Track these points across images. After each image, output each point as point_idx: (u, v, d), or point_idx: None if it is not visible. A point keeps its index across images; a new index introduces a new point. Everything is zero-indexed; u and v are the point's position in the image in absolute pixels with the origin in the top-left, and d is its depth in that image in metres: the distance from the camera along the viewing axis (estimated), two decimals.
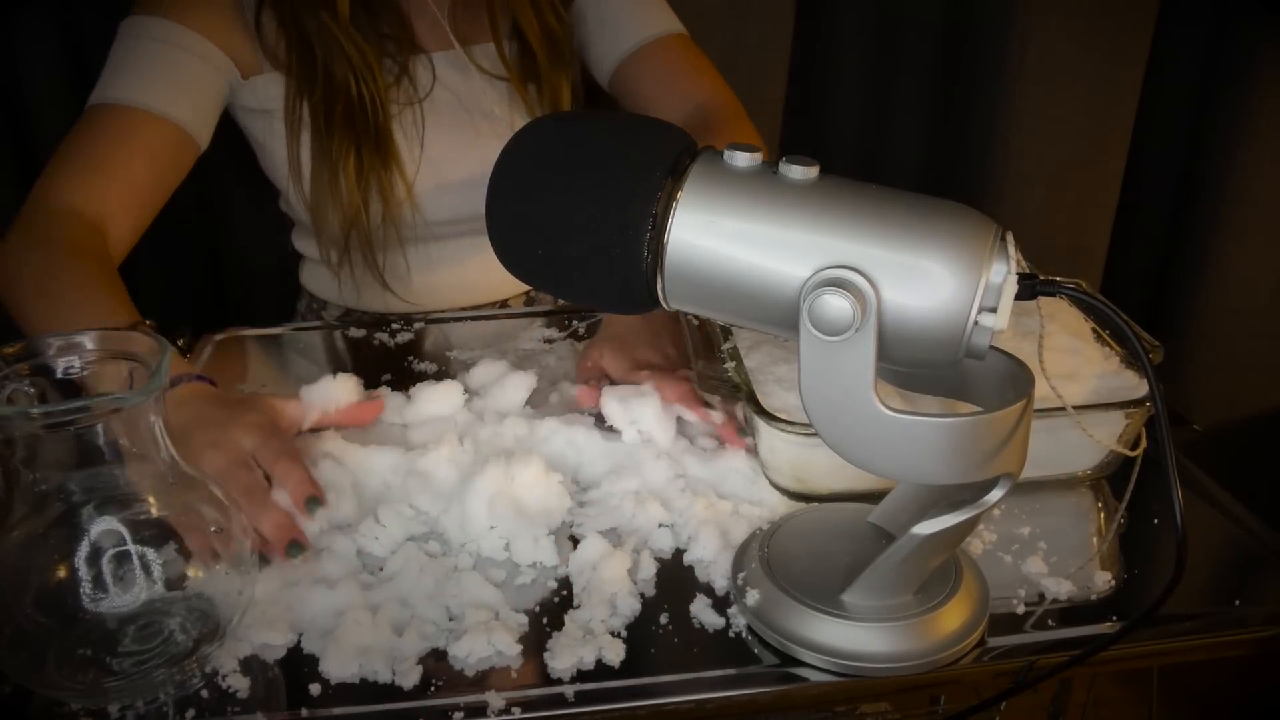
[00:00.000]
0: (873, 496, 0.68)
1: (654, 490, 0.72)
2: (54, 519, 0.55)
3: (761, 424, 0.68)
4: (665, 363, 0.83)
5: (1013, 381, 0.56)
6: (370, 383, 0.83)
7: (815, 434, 0.55)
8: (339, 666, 0.58)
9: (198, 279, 1.35)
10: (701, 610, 0.63)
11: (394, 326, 0.98)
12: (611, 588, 0.63)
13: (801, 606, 0.59)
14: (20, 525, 0.54)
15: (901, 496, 0.65)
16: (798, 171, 0.53)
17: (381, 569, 0.66)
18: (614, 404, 0.77)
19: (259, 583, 0.62)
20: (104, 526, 0.54)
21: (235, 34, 0.95)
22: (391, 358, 0.92)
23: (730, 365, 0.74)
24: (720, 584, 0.65)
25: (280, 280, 1.21)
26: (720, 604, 0.63)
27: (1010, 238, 0.52)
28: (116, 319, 0.75)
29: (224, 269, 1.36)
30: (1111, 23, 1.32)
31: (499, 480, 0.68)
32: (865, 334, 0.51)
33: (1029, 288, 0.53)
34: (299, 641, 0.60)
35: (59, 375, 0.56)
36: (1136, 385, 0.72)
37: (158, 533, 0.56)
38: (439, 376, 0.85)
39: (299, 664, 0.59)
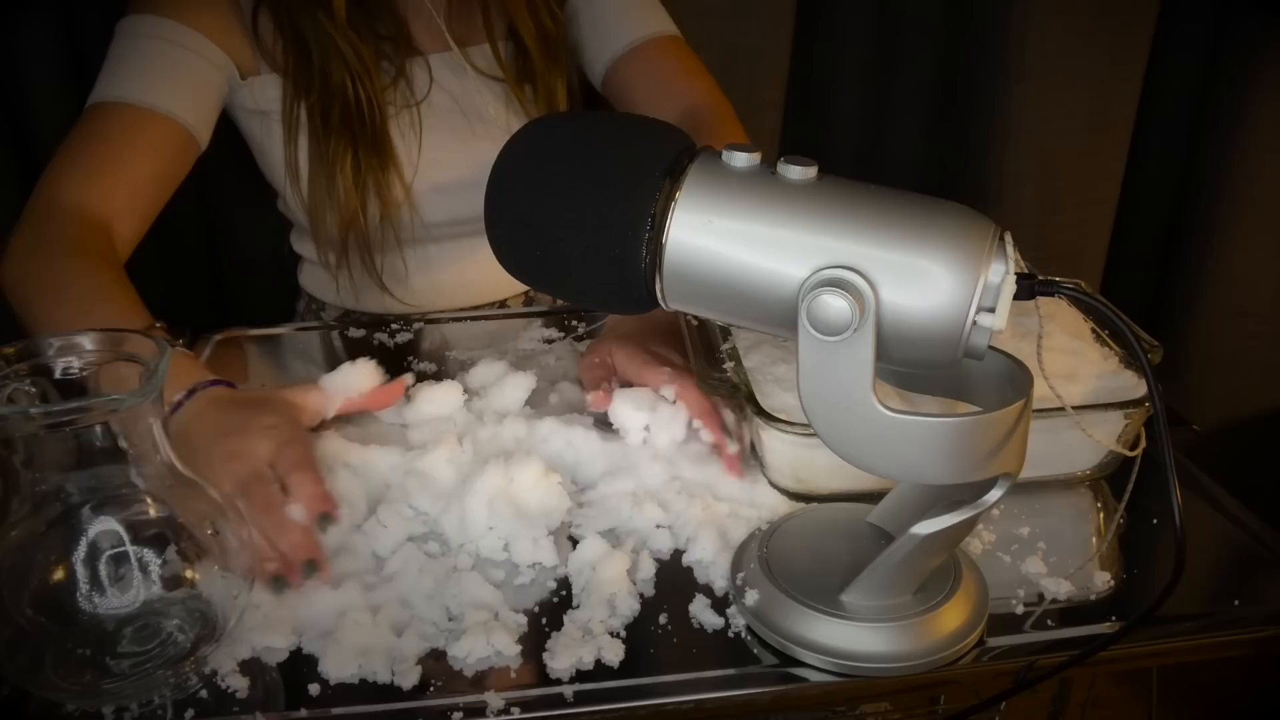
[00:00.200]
0: (872, 496, 0.68)
1: (651, 491, 0.72)
2: (53, 519, 0.55)
3: (761, 424, 0.68)
4: (680, 361, 0.82)
5: (1011, 381, 0.56)
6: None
7: (815, 434, 0.55)
8: (338, 667, 0.58)
9: (197, 279, 1.35)
10: (701, 610, 0.63)
11: (393, 327, 0.98)
12: (611, 588, 0.63)
13: (801, 606, 0.59)
14: (19, 526, 0.54)
15: (901, 496, 0.65)
16: (796, 172, 0.53)
17: (381, 569, 0.66)
18: (626, 408, 0.76)
19: (259, 587, 0.62)
20: (102, 527, 0.54)
21: (234, 34, 0.95)
22: (391, 358, 0.92)
23: (730, 365, 0.74)
24: (719, 584, 0.65)
25: (279, 281, 1.21)
26: (719, 604, 0.63)
27: (1009, 237, 0.52)
28: (130, 324, 0.74)
29: (224, 269, 1.36)
30: (1112, 22, 1.32)
31: (498, 481, 0.68)
32: (864, 334, 0.51)
33: (1027, 287, 0.53)
34: (299, 642, 0.60)
35: (59, 375, 0.56)
36: (1136, 385, 0.72)
37: (156, 534, 0.56)
38: (438, 377, 0.85)
39: (298, 664, 0.59)
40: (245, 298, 1.37)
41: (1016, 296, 0.52)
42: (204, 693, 0.57)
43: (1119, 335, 0.73)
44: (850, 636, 0.58)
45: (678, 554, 0.67)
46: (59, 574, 0.54)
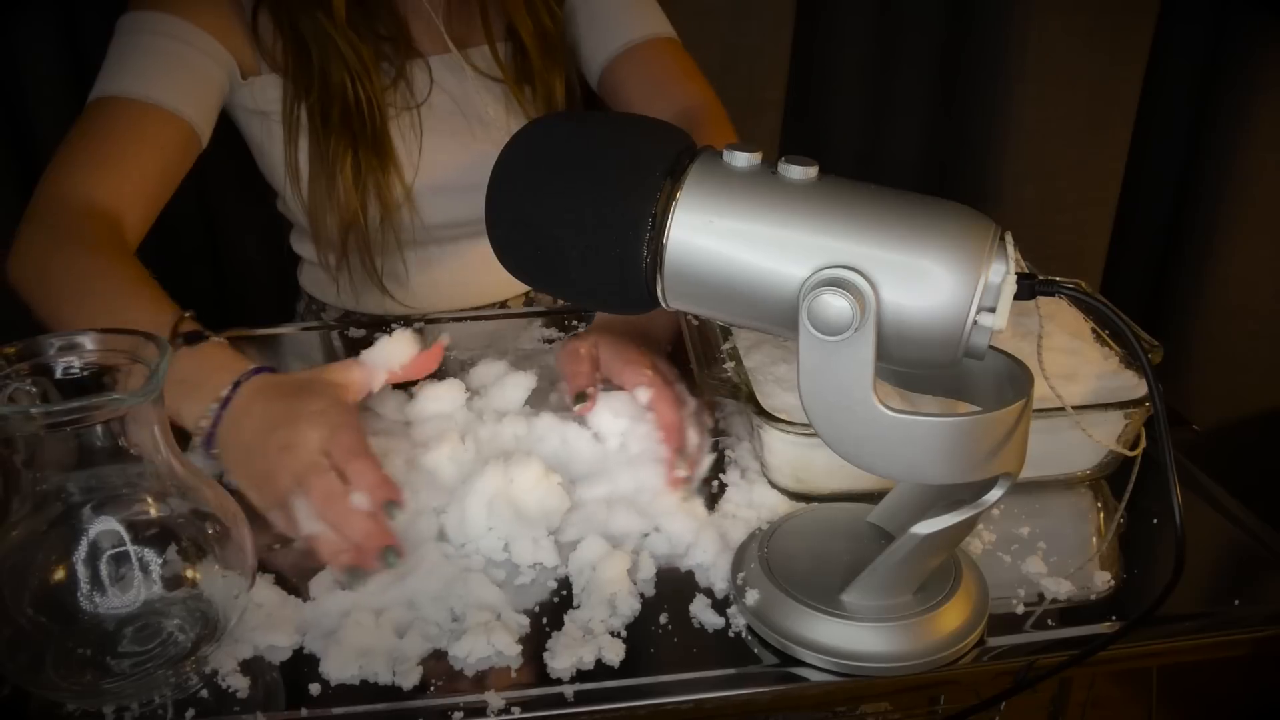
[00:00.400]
0: (873, 496, 0.68)
1: (651, 491, 0.72)
2: (53, 519, 0.55)
3: (762, 424, 0.68)
4: (661, 358, 0.81)
5: (1012, 381, 0.56)
6: None
7: (815, 434, 0.55)
8: (339, 667, 0.58)
9: (197, 279, 1.35)
10: (701, 610, 0.63)
11: (393, 327, 0.98)
12: (611, 588, 0.63)
13: (801, 606, 0.59)
14: (19, 525, 0.54)
15: (901, 496, 0.65)
16: (797, 171, 0.53)
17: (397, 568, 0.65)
18: (605, 414, 0.76)
19: (262, 587, 0.63)
20: (103, 527, 0.54)
21: (235, 33, 0.95)
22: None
23: (730, 365, 0.74)
24: (720, 584, 0.65)
25: (279, 281, 1.21)
26: (720, 604, 0.63)
27: (1009, 237, 0.52)
28: (162, 317, 0.73)
29: (224, 269, 1.36)
30: (1112, 22, 1.32)
31: (498, 482, 0.68)
32: (864, 334, 0.51)
33: (1028, 287, 0.53)
34: (301, 642, 0.60)
35: (59, 375, 0.56)
36: (1136, 385, 0.72)
37: (157, 533, 0.56)
38: (439, 376, 0.85)
39: (299, 664, 0.59)
40: (245, 298, 1.37)
41: (1017, 296, 0.52)
42: (204, 692, 0.57)
43: (1119, 335, 0.73)
44: (850, 636, 0.58)
45: (678, 554, 0.67)
46: (60, 574, 0.54)
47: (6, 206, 0.87)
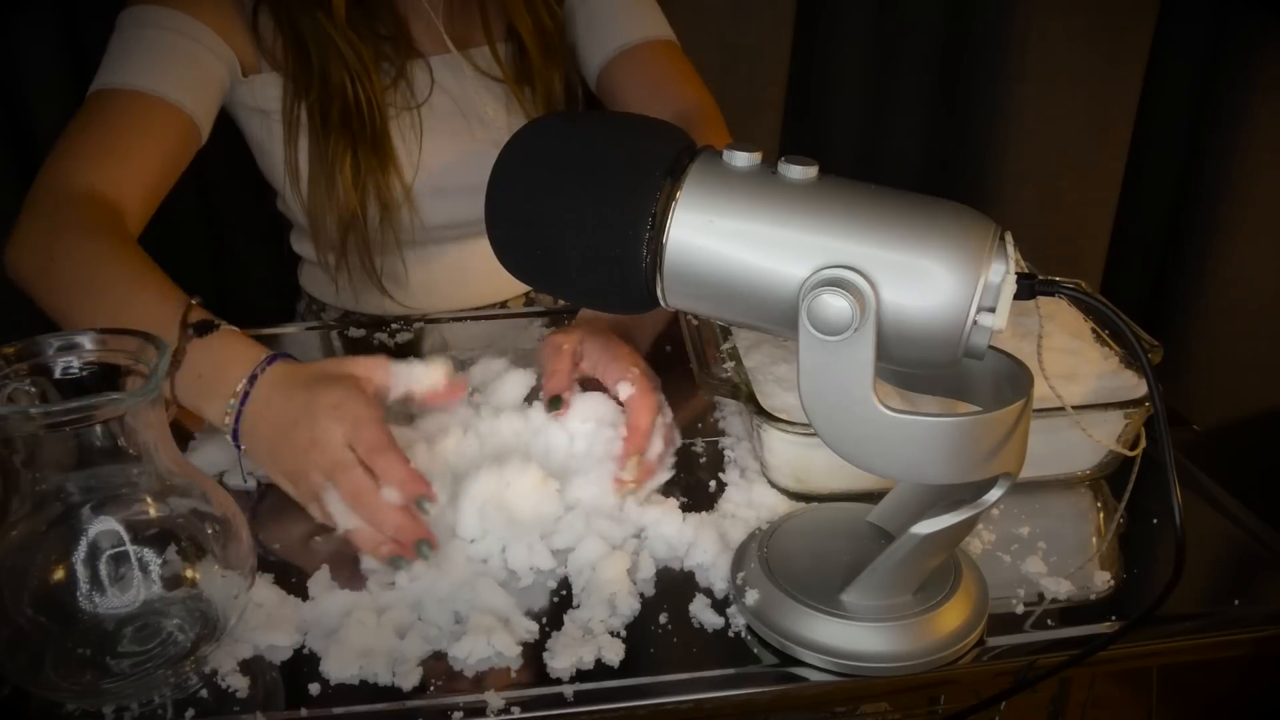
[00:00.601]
0: (872, 496, 0.68)
1: (651, 490, 0.72)
2: (53, 519, 0.55)
3: (761, 424, 0.68)
4: (647, 370, 0.80)
5: (1012, 381, 0.56)
6: None
7: (815, 434, 0.55)
8: (339, 667, 0.58)
9: (197, 279, 1.34)
10: (701, 610, 0.63)
11: (393, 327, 0.98)
12: (611, 588, 0.63)
13: (801, 606, 0.59)
14: (19, 525, 0.54)
15: (901, 496, 0.65)
16: (797, 171, 0.53)
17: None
18: (573, 418, 0.75)
19: (262, 587, 0.63)
20: (102, 527, 0.54)
21: (236, 30, 0.95)
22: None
23: (730, 365, 0.74)
24: (719, 584, 0.65)
25: (279, 281, 1.21)
26: (720, 604, 0.63)
27: (1009, 237, 0.52)
28: (170, 305, 0.72)
29: (224, 269, 1.36)
30: (1111, 22, 1.32)
31: (493, 485, 0.68)
32: (864, 334, 0.51)
33: (1028, 287, 0.53)
34: (302, 642, 0.60)
35: (59, 375, 0.56)
36: (1136, 385, 0.72)
37: (156, 533, 0.56)
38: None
39: (299, 664, 0.59)
40: (245, 298, 1.37)
41: (1017, 296, 0.52)
42: (204, 692, 0.57)
43: (1119, 335, 0.73)
44: (850, 636, 0.58)
45: (678, 554, 0.67)
46: (59, 574, 0.54)
47: (6, 207, 0.86)
